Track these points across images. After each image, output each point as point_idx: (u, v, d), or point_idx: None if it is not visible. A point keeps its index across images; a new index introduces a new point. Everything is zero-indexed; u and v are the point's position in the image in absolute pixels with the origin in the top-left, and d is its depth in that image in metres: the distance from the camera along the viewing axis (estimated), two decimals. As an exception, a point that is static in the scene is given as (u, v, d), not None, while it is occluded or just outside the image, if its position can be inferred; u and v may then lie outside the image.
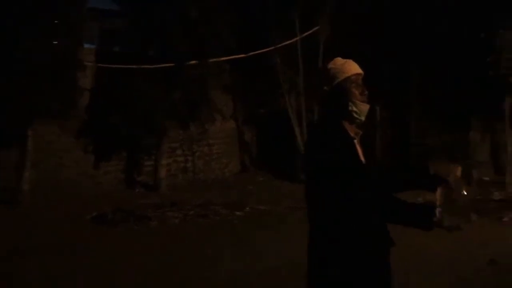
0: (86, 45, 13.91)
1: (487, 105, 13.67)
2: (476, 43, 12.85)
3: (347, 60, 3.00)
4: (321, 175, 2.84)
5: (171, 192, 13.77)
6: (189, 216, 11.08)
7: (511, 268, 6.99)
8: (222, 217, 11.13)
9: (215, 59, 14.14)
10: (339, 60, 2.99)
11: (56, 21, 11.73)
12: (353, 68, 2.96)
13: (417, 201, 3.11)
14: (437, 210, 2.83)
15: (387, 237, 2.93)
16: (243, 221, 10.80)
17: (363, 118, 2.93)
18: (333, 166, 2.78)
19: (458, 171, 2.89)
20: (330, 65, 2.98)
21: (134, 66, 13.26)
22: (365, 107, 2.93)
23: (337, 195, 2.77)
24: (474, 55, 12.96)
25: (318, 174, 2.86)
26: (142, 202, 12.32)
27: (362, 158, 2.91)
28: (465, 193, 2.88)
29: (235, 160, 17.34)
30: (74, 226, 10.10)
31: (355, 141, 2.94)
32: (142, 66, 13.26)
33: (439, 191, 2.89)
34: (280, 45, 15.05)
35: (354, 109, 2.90)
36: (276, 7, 15.00)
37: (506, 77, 12.67)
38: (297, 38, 15.10)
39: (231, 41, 14.27)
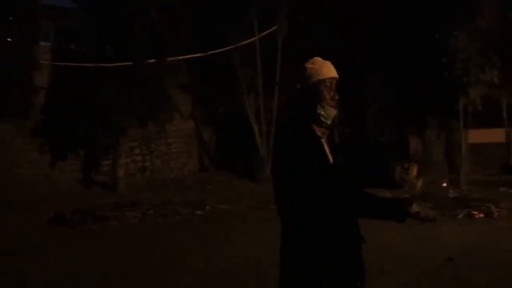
0: (41, 43, 13.67)
1: (442, 105, 13.96)
2: (432, 45, 13.09)
3: (326, 62, 2.98)
4: (289, 174, 2.84)
5: (130, 192, 13.66)
6: (148, 216, 11.01)
7: (467, 264, 7.15)
8: (182, 216, 11.10)
9: (174, 58, 14.07)
10: (317, 61, 2.98)
11: (10, 18, 11.50)
12: (330, 71, 2.95)
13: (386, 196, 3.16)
14: (415, 204, 2.90)
15: (358, 234, 2.97)
16: (204, 220, 10.80)
17: (329, 122, 2.94)
18: (302, 165, 2.79)
19: (414, 170, 2.96)
20: (308, 64, 2.95)
21: (91, 65, 13.10)
22: (333, 112, 2.94)
23: (306, 193, 2.79)
24: (430, 56, 13.20)
25: (287, 172, 2.86)
26: (101, 202, 12.18)
27: (330, 157, 2.94)
28: (445, 185, 2.95)
29: (194, 159, 17.30)
30: (31, 228, 9.93)
31: (323, 140, 2.96)
32: (100, 65, 13.10)
33: (419, 183, 2.96)
34: (238, 44, 15.07)
35: (322, 112, 2.91)
36: (234, 7, 15.01)
37: (460, 77, 12.94)
38: (256, 37, 15.15)
39: (190, 40, 14.23)
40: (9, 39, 12.05)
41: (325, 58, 3.03)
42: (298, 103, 2.96)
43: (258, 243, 8.53)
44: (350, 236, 2.93)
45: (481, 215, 10.03)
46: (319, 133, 2.94)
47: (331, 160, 2.93)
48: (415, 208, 2.90)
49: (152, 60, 13.66)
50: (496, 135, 14.69)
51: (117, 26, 13.50)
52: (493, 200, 11.01)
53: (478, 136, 14.06)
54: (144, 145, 15.61)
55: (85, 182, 14.35)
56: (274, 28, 15.24)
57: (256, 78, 15.44)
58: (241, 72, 15.45)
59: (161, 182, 15.34)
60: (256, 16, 15.04)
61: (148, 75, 13.75)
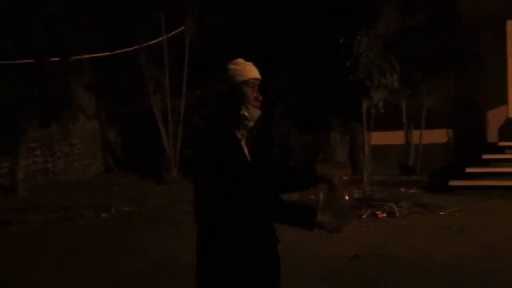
0: None
1: (346, 107, 14.36)
2: (336, 48, 13.43)
3: (248, 63, 3.01)
4: (208, 176, 2.85)
5: (31, 195, 13.14)
6: (52, 220, 10.65)
7: (372, 262, 7.41)
8: (88, 219, 10.81)
9: (78, 57, 13.68)
10: (240, 62, 2.99)
11: None
12: (252, 72, 2.98)
13: (300, 201, 3.21)
14: (319, 212, 2.94)
15: (274, 235, 3.01)
16: (110, 223, 10.56)
17: (252, 123, 2.98)
18: (221, 167, 2.80)
19: (342, 174, 3.00)
20: (231, 65, 2.97)
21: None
22: (256, 113, 2.97)
23: (225, 195, 2.80)
24: (335, 59, 13.55)
25: (206, 174, 2.87)
26: (-1, 206, 11.66)
27: (249, 159, 2.96)
28: (347, 197, 2.99)
29: (98, 161, 16.87)
30: None
31: (242, 142, 2.98)
32: (-1, 62, 12.54)
33: (322, 193, 3.00)
34: (145, 44, 14.85)
35: (246, 113, 2.93)
36: (142, 6, 14.78)
37: (363, 81, 13.35)
38: (163, 37, 14.99)
39: (96, 39, 13.88)
40: None
41: (232, 58, 3.05)
42: (222, 104, 2.97)
43: (168, 244, 8.47)
44: (267, 237, 2.96)
45: (384, 214, 10.42)
46: (239, 135, 2.96)
47: (251, 162, 2.95)
48: (320, 218, 2.92)
49: (55, 59, 13.20)
50: (396, 137, 15.29)
51: (17, 22, 12.94)
52: (395, 199, 11.49)
53: (380, 138, 14.58)
54: (45, 146, 15.05)
55: (-19, 185, 13.68)
56: (181, 29, 15.12)
57: (163, 78, 15.26)
58: (148, 72, 15.23)
59: (64, 184, 14.85)
60: (163, 16, 14.87)
61: (50, 73, 13.28)
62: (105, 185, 14.82)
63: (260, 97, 2.98)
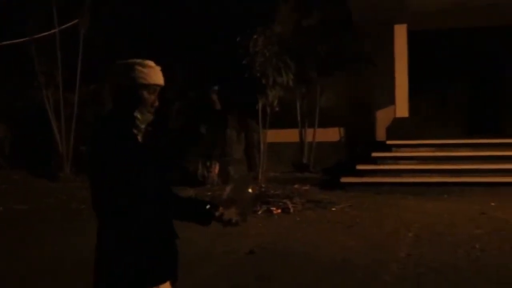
0: None
1: (243, 105, 14.51)
2: (234, 46, 13.55)
3: (156, 67, 2.96)
4: (105, 171, 2.83)
5: None
6: None
7: (267, 257, 7.57)
8: (-26, 219, 10.32)
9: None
10: (148, 64, 2.92)
11: None
12: (157, 78, 2.94)
13: (194, 196, 3.23)
14: (221, 206, 3.00)
15: (172, 230, 3.03)
16: (0, 223, 10.13)
17: (143, 127, 2.96)
18: (117, 162, 2.79)
19: (216, 168, 3.04)
20: (137, 65, 2.90)
21: None
22: (149, 118, 2.96)
23: (121, 191, 2.80)
24: (232, 57, 13.66)
25: (103, 170, 2.85)
26: None
27: (145, 154, 2.95)
28: (250, 190, 3.04)
29: (-14, 157, 16.09)
30: None
31: (139, 136, 2.97)
32: None
33: (228, 188, 3.06)
34: (35, 36, 14.34)
35: (139, 116, 2.92)
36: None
37: (259, 79, 13.54)
38: (55, 30, 14.53)
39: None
40: None
41: (129, 53, 3.01)
42: (119, 101, 2.95)
43: (62, 242, 8.25)
44: (165, 232, 2.98)
45: (279, 210, 10.65)
46: (136, 132, 2.96)
47: (147, 157, 2.95)
48: (220, 211, 2.99)
49: None
50: (291, 135, 15.63)
51: None
52: (289, 196, 11.76)
53: (275, 135, 14.86)
54: None
55: None
56: (75, 21, 14.72)
57: (56, 72, 14.79)
58: (40, 65, 14.70)
59: None
60: (56, 9, 14.42)
61: None
62: (-7, 183, 14.18)
63: (157, 103, 2.97)
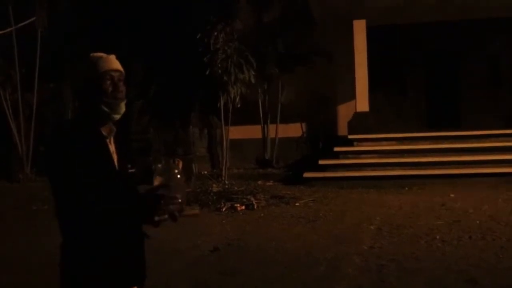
0: None
1: (205, 102, 14.50)
2: (195, 43, 13.51)
3: (108, 55, 2.90)
4: (66, 174, 2.75)
5: None
6: None
7: (231, 253, 7.59)
8: None
9: None
10: (97, 54, 2.88)
11: None
12: (111, 63, 2.87)
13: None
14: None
15: (140, 233, 2.97)
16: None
17: (117, 116, 2.84)
18: (80, 164, 2.71)
19: (180, 164, 2.93)
20: (89, 58, 2.86)
21: None
22: (118, 106, 2.86)
23: (85, 194, 2.72)
24: (193, 54, 13.62)
25: (64, 172, 2.76)
26: None
27: (115, 157, 2.88)
28: (179, 175, 2.87)
29: None
30: None
31: (108, 140, 2.88)
32: None
33: (193, 178, 3.02)
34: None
35: (105, 108, 2.83)
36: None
37: (221, 76, 13.54)
38: (12, 28, 14.28)
39: None
40: None
41: (86, 53, 2.95)
42: (81, 98, 2.87)
43: (22, 244, 8.12)
44: (131, 238, 2.92)
45: (243, 207, 10.67)
46: (105, 132, 2.85)
47: (116, 160, 2.88)
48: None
49: None
50: (253, 132, 15.68)
51: None
52: (253, 192, 11.81)
53: (238, 132, 14.88)
54: None
55: None
56: (32, 19, 14.48)
57: (12, 71, 14.53)
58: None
59: None
60: (12, 7, 14.16)
61: None
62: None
63: (122, 88, 2.88)
